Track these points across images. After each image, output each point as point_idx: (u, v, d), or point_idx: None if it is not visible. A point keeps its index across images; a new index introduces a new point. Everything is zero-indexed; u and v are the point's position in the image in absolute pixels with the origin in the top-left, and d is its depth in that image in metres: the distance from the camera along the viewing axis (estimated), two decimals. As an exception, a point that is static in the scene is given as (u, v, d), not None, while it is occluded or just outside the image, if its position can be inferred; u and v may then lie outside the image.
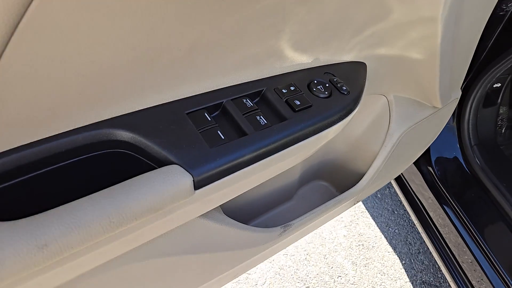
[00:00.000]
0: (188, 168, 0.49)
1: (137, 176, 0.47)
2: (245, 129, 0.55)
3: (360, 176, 0.95)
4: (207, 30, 0.50)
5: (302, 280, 1.57)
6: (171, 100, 0.54)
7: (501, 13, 0.97)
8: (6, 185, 0.44)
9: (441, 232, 1.44)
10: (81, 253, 0.42)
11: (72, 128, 0.48)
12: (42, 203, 0.43)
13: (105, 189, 0.44)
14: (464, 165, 1.31)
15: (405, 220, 1.82)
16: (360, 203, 1.93)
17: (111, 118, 0.50)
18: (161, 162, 0.50)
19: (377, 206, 1.90)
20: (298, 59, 0.64)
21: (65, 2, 0.37)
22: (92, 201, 0.42)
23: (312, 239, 1.72)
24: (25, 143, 0.44)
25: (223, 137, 0.53)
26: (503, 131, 1.44)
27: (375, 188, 1.06)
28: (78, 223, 0.40)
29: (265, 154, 0.55)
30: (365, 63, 0.72)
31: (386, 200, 1.94)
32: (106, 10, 0.40)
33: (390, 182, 1.78)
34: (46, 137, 0.46)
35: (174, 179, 0.47)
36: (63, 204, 0.43)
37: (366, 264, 1.65)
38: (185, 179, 0.47)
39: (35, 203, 0.43)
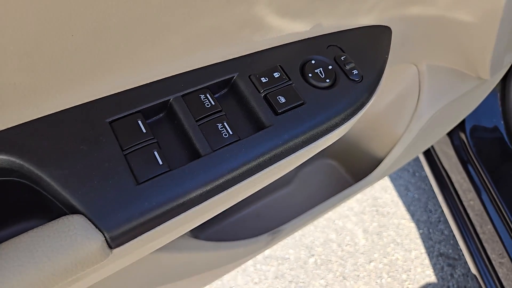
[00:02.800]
0: (98, 219, 0.32)
1: (16, 238, 0.30)
2: (198, 147, 0.37)
3: (376, 160, 0.77)
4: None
5: (307, 248, 1.46)
6: (84, 102, 0.36)
7: None
8: None
9: (462, 198, 1.30)
10: None
11: None
12: None
13: None
14: (504, 134, 1.10)
15: (426, 184, 1.64)
16: (378, 161, 1.75)
17: None
18: (63, 205, 0.33)
19: (396, 165, 1.72)
20: (289, 27, 0.43)
21: None
22: None
23: (321, 203, 1.58)
24: None
25: (161, 162, 0.35)
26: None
27: (395, 168, 0.87)
28: None
29: (226, 184, 0.37)
30: (389, 28, 0.50)
31: (407, 159, 1.75)
32: None
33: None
34: None
35: (73, 240, 0.31)
36: None
37: (379, 232, 1.52)
38: (92, 240, 0.31)
39: None
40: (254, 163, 0.38)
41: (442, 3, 0.49)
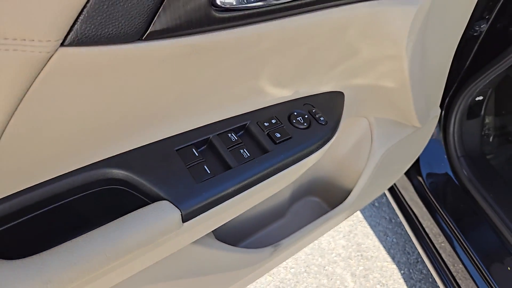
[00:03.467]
0: (176, 203, 0.54)
1: (130, 214, 0.52)
2: (230, 163, 0.60)
3: (349, 192, 1.00)
4: (192, 81, 0.56)
5: (302, 293, 1.61)
6: (162, 138, 0.60)
7: (475, 34, 1.03)
8: (10, 226, 0.49)
9: (434, 241, 1.44)
10: (82, 285, 0.47)
11: (71, 170, 0.53)
12: (45, 241, 0.48)
13: (102, 227, 0.50)
14: (453, 176, 1.35)
15: (402, 229, 1.85)
16: (358, 212, 1.97)
17: (107, 158, 0.56)
18: (152, 198, 0.55)
19: (374, 215, 1.94)
20: (279, 94, 0.70)
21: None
22: (90, 239, 0.48)
23: (311, 251, 1.76)
24: (29, 185, 0.50)
25: (209, 172, 0.58)
26: (490, 139, 1.48)
27: (366, 201, 1.11)
28: (78, 260, 0.46)
29: (247, 185, 0.60)
30: (342, 92, 0.78)
31: (384, 209, 1.98)
32: (106, 79, 0.46)
33: (386, 191, 1.82)
34: (47, 180, 0.51)
35: (163, 214, 0.52)
36: (65, 241, 0.48)
37: (365, 275, 1.69)
38: (174, 214, 0.53)
39: (39, 242, 0.49)
40: (263, 173, 0.61)
41: (372, 76, 0.77)
